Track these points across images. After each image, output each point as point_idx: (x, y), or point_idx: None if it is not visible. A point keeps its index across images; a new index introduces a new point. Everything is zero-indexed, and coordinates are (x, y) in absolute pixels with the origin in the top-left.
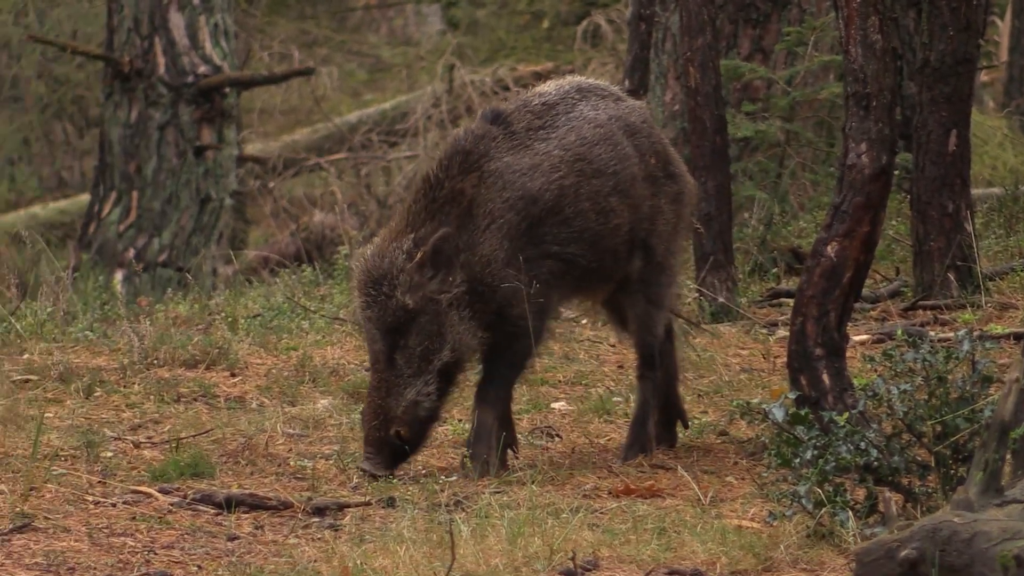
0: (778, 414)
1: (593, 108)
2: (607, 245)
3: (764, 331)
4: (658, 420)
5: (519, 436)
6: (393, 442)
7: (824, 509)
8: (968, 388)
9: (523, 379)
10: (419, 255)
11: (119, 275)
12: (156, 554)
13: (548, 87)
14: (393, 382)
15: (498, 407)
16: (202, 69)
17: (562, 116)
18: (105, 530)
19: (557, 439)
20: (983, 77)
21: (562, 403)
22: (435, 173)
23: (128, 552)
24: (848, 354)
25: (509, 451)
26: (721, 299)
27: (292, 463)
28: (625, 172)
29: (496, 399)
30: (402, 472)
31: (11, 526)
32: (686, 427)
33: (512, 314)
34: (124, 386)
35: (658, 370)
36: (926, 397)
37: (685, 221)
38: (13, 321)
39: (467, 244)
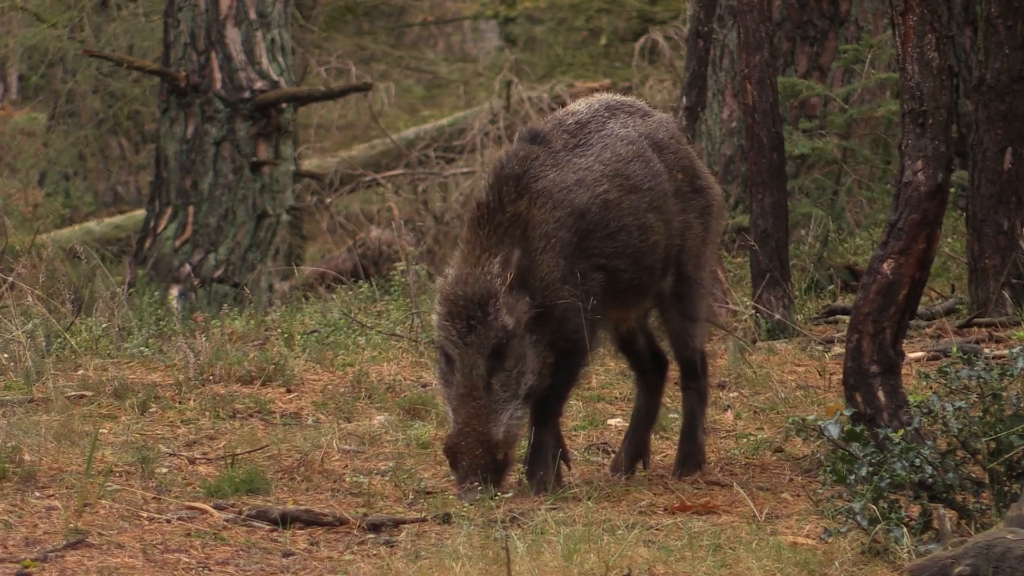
0: (833, 431)
1: (623, 125)
2: (647, 262)
3: (820, 348)
4: (627, 450)
5: (575, 452)
6: (497, 467)
7: (879, 526)
8: (1022, 405)
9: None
10: (508, 277)
11: (175, 291)
12: (211, 570)
13: (579, 106)
14: (492, 408)
15: (554, 424)
16: (259, 84)
17: (594, 134)
18: (159, 546)
19: (613, 455)
20: None
21: (618, 419)
22: (490, 199)
23: (183, 568)
24: (903, 371)
25: (563, 466)
26: (777, 316)
27: (348, 479)
28: (658, 189)
29: (552, 416)
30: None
31: (65, 542)
32: (646, 467)
33: (568, 329)
34: (179, 402)
35: (703, 379)
36: (981, 414)
37: (714, 233)
38: (68, 337)
39: (529, 266)
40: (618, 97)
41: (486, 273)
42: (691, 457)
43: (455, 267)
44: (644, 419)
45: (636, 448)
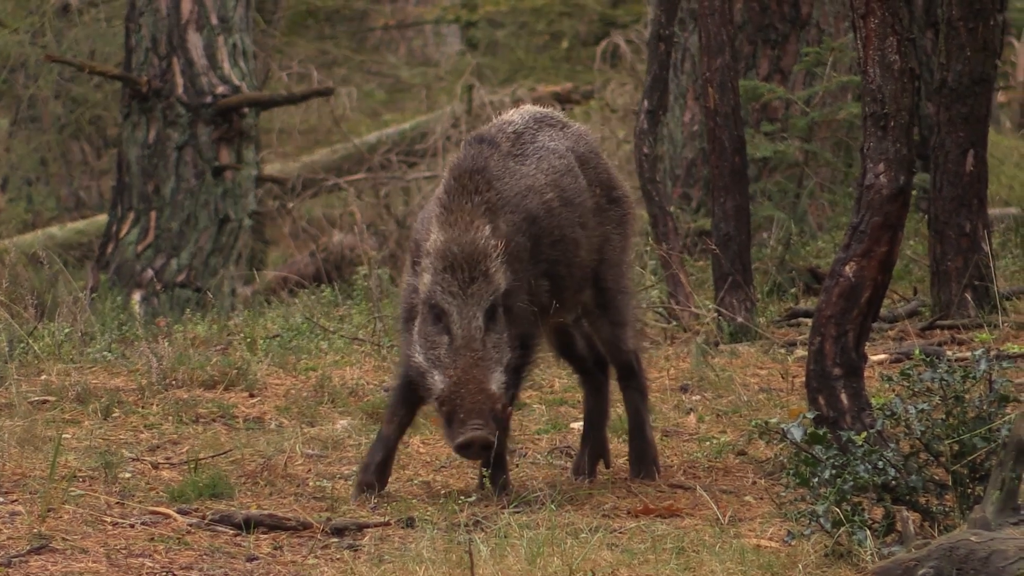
0: (796, 434)
1: (551, 139)
2: (576, 276)
3: (782, 351)
4: (587, 452)
5: (537, 456)
6: (496, 416)
7: (842, 528)
8: (985, 407)
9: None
10: (500, 246)
11: (137, 296)
12: (175, 575)
13: (513, 116)
14: (488, 361)
15: (507, 425)
16: (220, 89)
17: (530, 145)
18: (123, 551)
19: (575, 458)
20: (1000, 97)
21: (581, 423)
22: (466, 185)
23: (147, 573)
24: (866, 374)
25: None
26: (740, 319)
27: (311, 484)
28: (584, 205)
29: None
30: (421, 492)
31: (29, 547)
32: (608, 466)
33: (522, 331)
34: (142, 407)
35: (640, 376)
36: (943, 416)
37: (630, 241)
38: (31, 342)
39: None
40: (541, 109)
41: (480, 236)
42: (644, 454)
43: (442, 230)
44: (597, 419)
45: (595, 449)
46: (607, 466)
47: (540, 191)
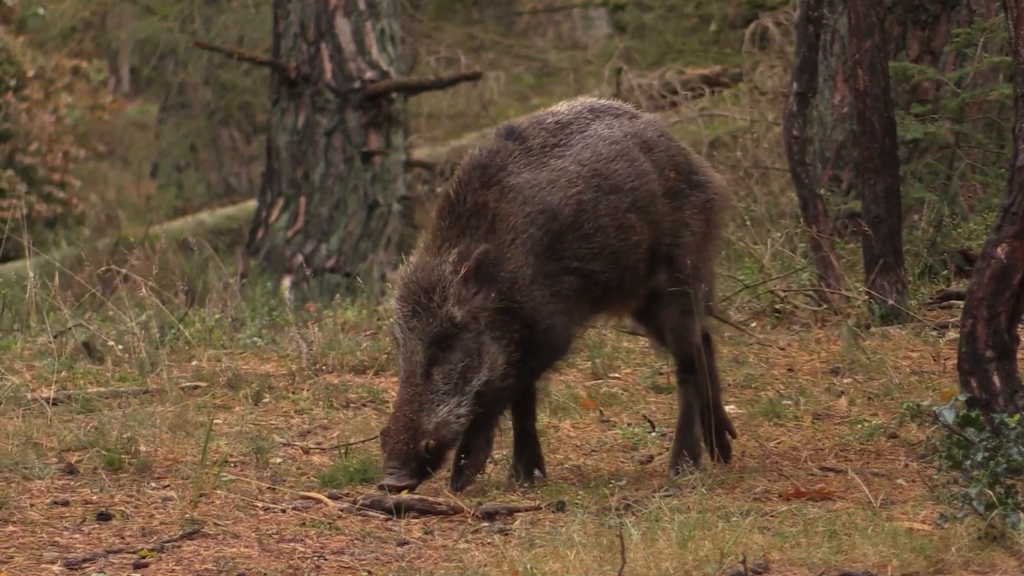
0: (949, 416)
1: (607, 127)
2: (627, 262)
3: (934, 333)
4: (707, 434)
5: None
6: (420, 456)
7: (996, 511)
8: None
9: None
10: (464, 270)
11: (287, 281)
12: (326, 559)
13: (561, 107)
14: (427, 397)
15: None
16: (369, 74)
17: (576, 135)
18: (275, 536)
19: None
20: None
21: (732, 406)
22: (456, 189)
23: (298, 558)
24: (1019, 356)
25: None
26: (891, 301)
27: None
28: (644, 188)
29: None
30: (572, 476)
31: (181, 532)
32: (734, 436)
33: (540, 328)
34: (293, 392)
35: (700, 374)
36: None
37: (716, 227)
38: (182, 328)
39: (496, 260)
40: (603, 100)
41: (443, 262)
42: (687, 448)
43: (418, 255)
44: (713, 396)
45: (718, 425)
46: (733, 436)
47: (565, 186)
